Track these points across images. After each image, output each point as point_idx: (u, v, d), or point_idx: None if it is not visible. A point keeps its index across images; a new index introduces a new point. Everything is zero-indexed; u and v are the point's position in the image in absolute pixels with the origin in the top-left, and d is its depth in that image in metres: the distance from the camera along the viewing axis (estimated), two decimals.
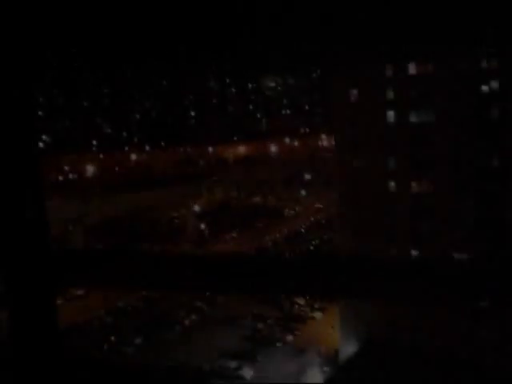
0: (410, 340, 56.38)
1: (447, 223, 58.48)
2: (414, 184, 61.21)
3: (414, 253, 61.65)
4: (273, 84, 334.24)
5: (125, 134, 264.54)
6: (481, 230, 56.86)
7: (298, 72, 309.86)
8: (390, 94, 61.69)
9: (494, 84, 56.27)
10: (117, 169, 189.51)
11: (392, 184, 62.35)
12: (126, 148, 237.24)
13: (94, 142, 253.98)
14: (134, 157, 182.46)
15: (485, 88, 56.86)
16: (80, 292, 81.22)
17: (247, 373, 61.17)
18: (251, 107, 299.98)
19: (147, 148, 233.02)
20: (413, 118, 60.70)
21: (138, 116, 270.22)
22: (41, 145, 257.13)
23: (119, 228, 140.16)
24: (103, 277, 2.36)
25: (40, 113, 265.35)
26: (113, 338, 71.80)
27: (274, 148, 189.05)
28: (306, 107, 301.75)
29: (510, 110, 55.09)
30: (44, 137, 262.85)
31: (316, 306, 78.28)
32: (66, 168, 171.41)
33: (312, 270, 2.36)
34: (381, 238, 62.16)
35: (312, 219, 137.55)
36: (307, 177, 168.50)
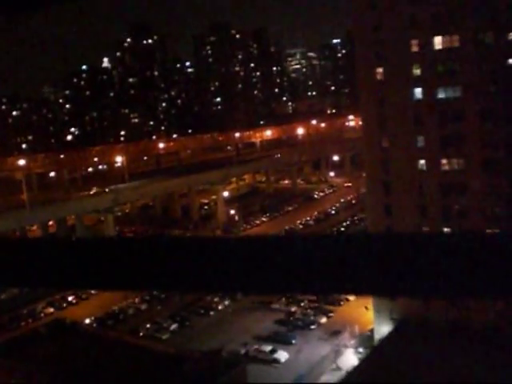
0: (445, 319, 55.89)
1: (479, 200, 57.62)
2: (443, 161, 60.31)
3: (445, 230, 60.96)
4: (298, 66, 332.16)
5: (152, 122, 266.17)
6: None
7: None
8: (417, 71, 60.68)
9: None
10: (145, 158, 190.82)
11: (421, 162, 61.53)
12: (154, 137, 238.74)
13: (122, 132, 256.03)
14: (161, 145, 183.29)
15: None
16: None
17: (282, 356, 61.36)
18: (277, 90, 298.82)
19: (174, 136, 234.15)
20: (441, 95, 59.69)
21: (164, 104, 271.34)
22: (69, 137, 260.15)
23: (150, 216, 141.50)
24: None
25: (68, 105, 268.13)
26: (148, 324, 72.57)
27: (301, 130, 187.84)
28: (332, 88, 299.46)
29: None
30: (73, 129, 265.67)
31: None
32: (96, 159, 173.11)
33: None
34: (412, 217, 61.58)
35: (342, 200, 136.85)
36: (335, 158, 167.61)
